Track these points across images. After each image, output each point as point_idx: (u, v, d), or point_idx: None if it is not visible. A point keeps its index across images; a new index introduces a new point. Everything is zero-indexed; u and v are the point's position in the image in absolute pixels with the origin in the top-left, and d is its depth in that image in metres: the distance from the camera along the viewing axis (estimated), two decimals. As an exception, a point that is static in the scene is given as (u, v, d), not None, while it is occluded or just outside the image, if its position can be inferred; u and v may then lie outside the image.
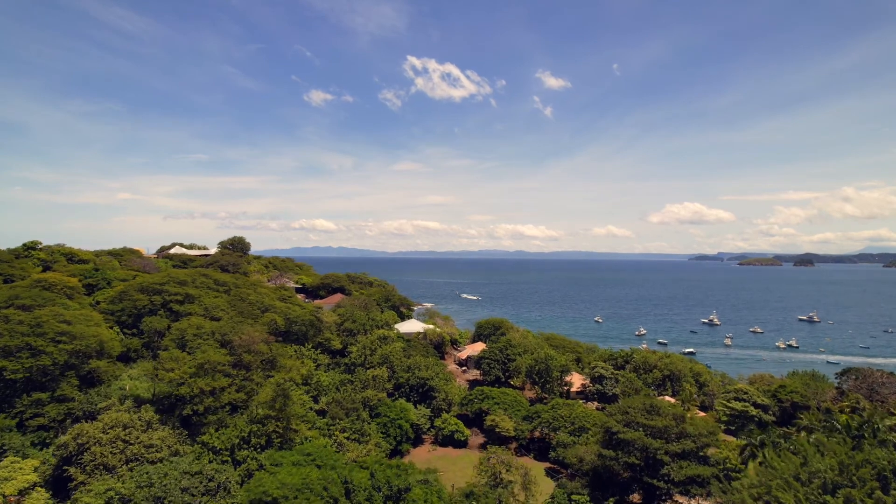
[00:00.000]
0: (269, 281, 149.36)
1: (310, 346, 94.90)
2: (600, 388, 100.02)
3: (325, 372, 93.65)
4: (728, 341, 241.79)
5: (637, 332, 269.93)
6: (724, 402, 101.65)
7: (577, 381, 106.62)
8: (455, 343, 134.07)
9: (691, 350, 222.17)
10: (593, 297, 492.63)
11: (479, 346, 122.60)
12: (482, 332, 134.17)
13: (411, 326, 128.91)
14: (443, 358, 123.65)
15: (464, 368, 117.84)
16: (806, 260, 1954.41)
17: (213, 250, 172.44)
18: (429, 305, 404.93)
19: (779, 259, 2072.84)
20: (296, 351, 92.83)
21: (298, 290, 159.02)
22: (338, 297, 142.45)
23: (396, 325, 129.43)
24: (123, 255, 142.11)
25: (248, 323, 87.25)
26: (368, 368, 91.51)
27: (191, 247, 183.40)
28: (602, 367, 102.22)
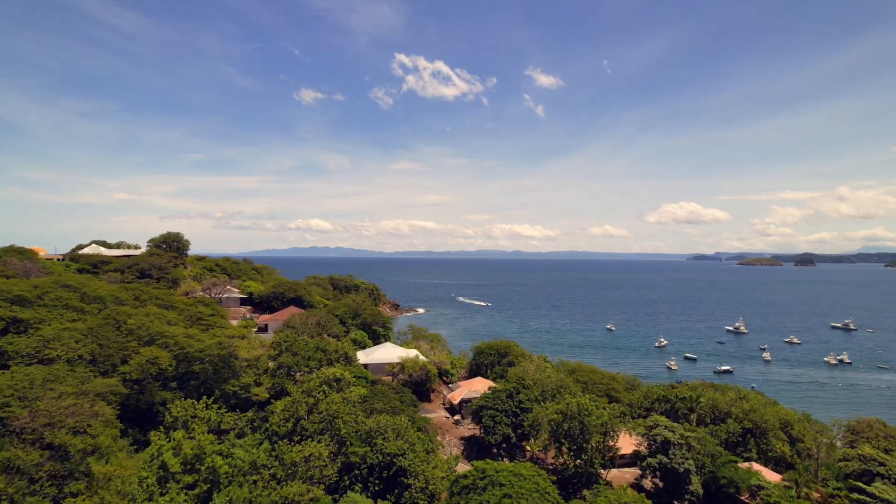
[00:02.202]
0: (203, 290, 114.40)
1: (211, 401, 59.65)
2: (665, 459, 65.31)
3: (234, 440, 58.78)
4: (767, 356, 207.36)
5: (657, 344, 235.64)
6: (856, 481, 67.07)
7: (625, 442, 71.93)
8: (446, 375, 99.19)
9: (727, 368, 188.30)
10: (600, 300, 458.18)
11: (478, 384, 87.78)
12: (482, 361, 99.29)
13: (385, 354, 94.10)
14: (427, 400, 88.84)
15: (457, 418, 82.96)
16: (806, 260, 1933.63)
17: (144, 249, 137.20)
18: (421, 311, 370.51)
19: (778, 259, 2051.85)
20: (186, 409, 57.75)
21: (244, 301, 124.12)
22: (290, 310, 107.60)
23: (363, 353, 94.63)
24: (1, 257, 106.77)
25: (90, 371, 52.37)
26: (300, 440, 56.48)
27: (118, 245, 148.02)
28: (666, 428, 67.47)
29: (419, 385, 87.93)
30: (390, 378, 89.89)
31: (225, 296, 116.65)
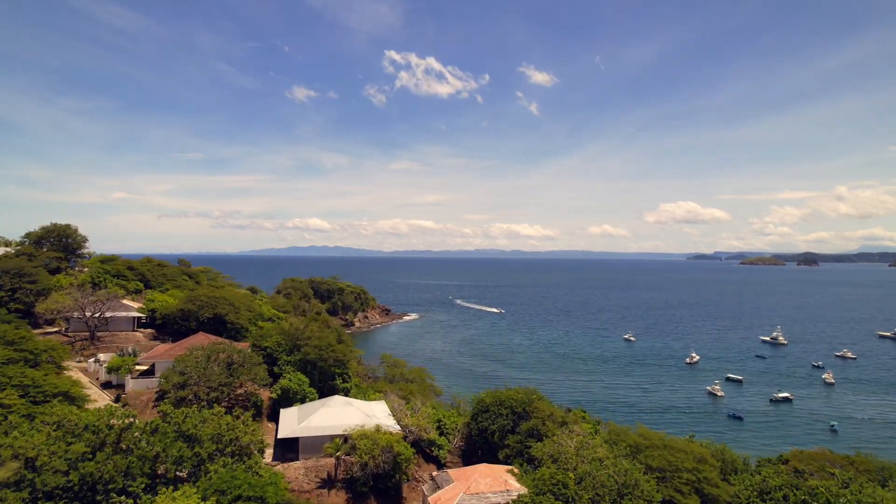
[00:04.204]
0: (77, 307, 77.84)
1: None
2: None
3: None
4: (829, 378, 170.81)
5: (688, 360, 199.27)
6: None
7: None
8: (431, 448, 62.63)
9: (786, 395, 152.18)
10: (611, 303, 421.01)
11: (481, 477, 51.40)
12: (488, 426, 62.51)
13: (330, 417, 57.69)
14: (396, 501, 52.46)
15: (444, 549, 46.48)
16: (810, 259, 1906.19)
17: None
18: (413, 316, 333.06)
19: (778, 258, 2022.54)
20: None
21: (149, 322, 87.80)
22: (194, 340, 71.32)
23: (295, 414, 58.32)
24: None
25: None
26: None
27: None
28: None
29: (381, 478, 51.66)
30: (332, 464, 53.69)
31: (110, 314, 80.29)
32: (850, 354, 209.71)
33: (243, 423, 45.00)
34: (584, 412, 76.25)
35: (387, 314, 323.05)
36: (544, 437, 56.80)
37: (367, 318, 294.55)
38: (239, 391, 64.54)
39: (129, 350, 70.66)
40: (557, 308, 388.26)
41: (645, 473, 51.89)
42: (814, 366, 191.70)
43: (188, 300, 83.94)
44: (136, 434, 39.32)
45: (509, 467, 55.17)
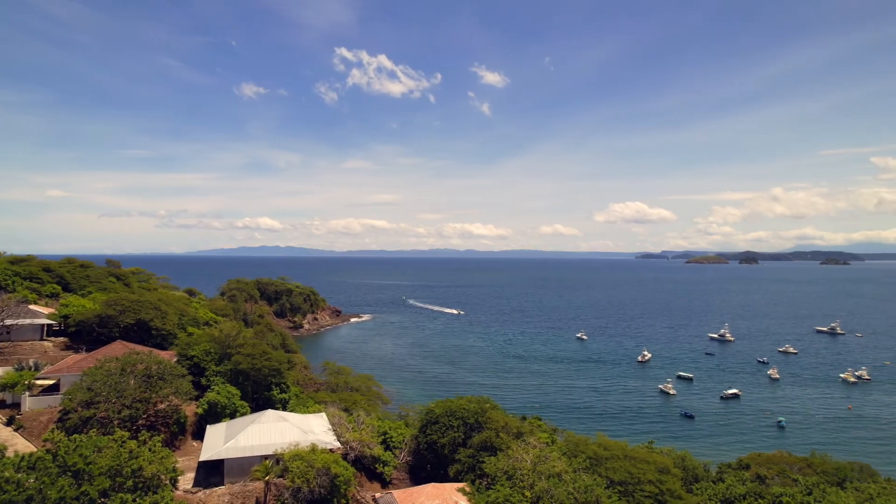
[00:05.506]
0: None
1: None
2: None
3: None
4: (774, 373, 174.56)
5: (640, 358, 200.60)
6: None
7: None
8: (376, 465, 57.09)
9: (735, 392, 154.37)
10: (564, 303, 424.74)
11: (429, 499, 46.56)
12: (438, 440, 57.51)
13: (262, 434, 51.56)
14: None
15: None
16: (750, 258, 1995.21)
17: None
18: (365, 317, 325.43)
19: (721, 256, 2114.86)
20: None
21: (62, 330, 78.69)
22: (109, 349, 63.62)
23: (222, 432, 51.90)
24: None
25: None
26: None
27: None
28: None
29: (317, 503, 45.99)
30: (262, 489, 47.62)
31: (11, 322, 70.96)
32: (791, 350, 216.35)
33: (150, 450, 38.51)
34: (540, 420, 72.55)
35: (337, 316, 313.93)
36: (498, 451, 52.43)
37: (316, 319, 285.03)
38: (159, 407, 57.44)
39: (31, 363, 62.10)
40: (511, 308, 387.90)
41: (607, 488, 48.27)
42: (759, 361, 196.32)
43: (107, 304, 75.26)
44: (7, 472, 32.35)
45: (460, 485, 50.53)
